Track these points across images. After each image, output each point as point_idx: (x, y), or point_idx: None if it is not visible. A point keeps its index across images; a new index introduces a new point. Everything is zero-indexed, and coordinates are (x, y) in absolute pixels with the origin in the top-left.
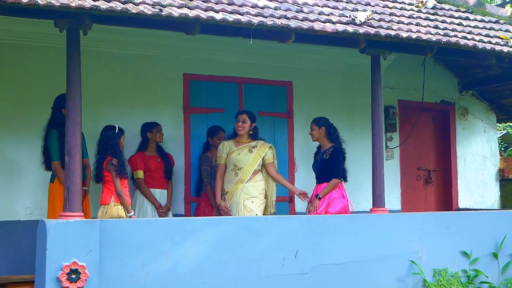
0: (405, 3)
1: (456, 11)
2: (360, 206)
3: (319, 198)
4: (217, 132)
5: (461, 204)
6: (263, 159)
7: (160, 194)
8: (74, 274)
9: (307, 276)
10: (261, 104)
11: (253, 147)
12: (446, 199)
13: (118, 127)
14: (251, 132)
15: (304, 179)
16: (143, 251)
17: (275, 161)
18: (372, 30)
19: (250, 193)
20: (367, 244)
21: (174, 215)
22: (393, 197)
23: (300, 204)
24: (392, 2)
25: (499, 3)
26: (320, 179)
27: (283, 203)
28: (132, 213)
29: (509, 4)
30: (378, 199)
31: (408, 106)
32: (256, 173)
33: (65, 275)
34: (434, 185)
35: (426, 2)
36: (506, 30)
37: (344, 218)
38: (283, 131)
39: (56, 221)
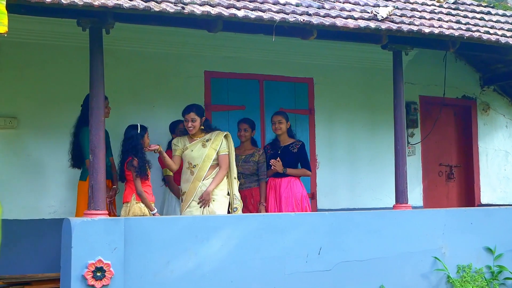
0: None
1: (477, 5)
2: (383, 202)
3: (285, 171)
4: (238, 124)
5: (483, 200)
6: (217, 151)
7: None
8: (99, 272)
9: (330, 272)
10: (282, 101)
11: (207, 140)
12: (468, 195)
13: (140, 125)
14: (202, 127)
15: (326, 175)
16: (167, 249)
17: (232, 151)
18: (394, 26)
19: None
20: (390, 240)
21: None
22: (415, 193)
23: (322, 201)
24: None
25: None
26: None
27: None
28: (155, 210)
29: None
30: (401, 196)
31: (430, 102)
32: (213, 168)
33: (90, 273)
34: (456, 181)
35: None
36: None
37: (368, 214)
38: (304, 128)
39: (81, 219)
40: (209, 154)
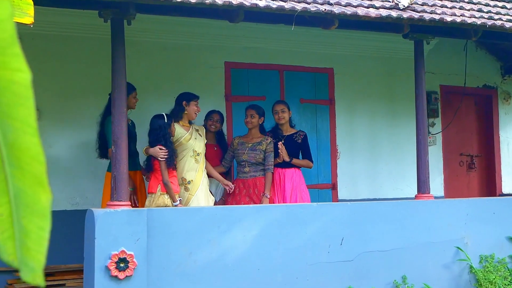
0: None
1: None
2: (403, 192)
3: (291, 160)
4: (245, 111)
5: (505, 190)
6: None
7: (215, 182)
8: (122, 262)
9: (352, 263)
10: (302, 91)
11: (197, 130)
12: (490, 185)
13: (166, 115)
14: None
15: (347, 166)
16: (190, 240)
17: None
18: (416, 15)
19: (207, 181)
20: (412, 230)
21: None
22: (436, 183)
23: (343, 191)
24: None
25: None
26: (289, 163)
27: (326, 190)
28: (178, 202)
29: None
30: (423, 185)
31: (450, 91)
32: None
33: (113, 264)
34: (477, 170)
35: None
36: None
37: (390, 204)
38: (325, 118)
39: (104, 210)
40: (203, 144)
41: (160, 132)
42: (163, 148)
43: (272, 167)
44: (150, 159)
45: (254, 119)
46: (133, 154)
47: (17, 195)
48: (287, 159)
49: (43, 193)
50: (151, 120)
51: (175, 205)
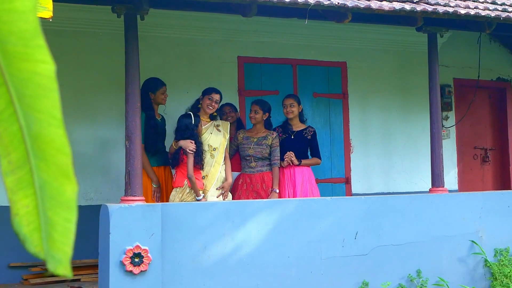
0: None
1: None
2: (417, 186)
3: (300, 163)
4: (250, 106)
5: None
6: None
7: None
8: (137, 257)
9: (367, 257)
10: (315, 85)
11: (217, 125)
12: (504, 178)
13: (193, 114)
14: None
15: (361, 160)
16: (204, 234)
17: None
18: (429, 8)
19: (224, 177)
20: (427, 224)
21: None
22: (450, 176)
23: (356, 185)
24: None
25: None
26: (299, 158)
27: (340, 184)
28: (201, 197)
29: None
30: (437, 179)
31: (464, 85)
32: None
33: (128, 259)
34: (491, 164)
35: None
36: None
37: (404, 198)
38: (338, 112)
39: (118, 205)
40: (224, 139)
41: (187, 132)
42: (193, 143)
43: (279, 161)
44: (179, 153)
45: (257, 115)
46: (160, 150)
47: (42, 187)
48: (296, 163)
49: (68, 185)
50: (178, 119)
51: (198, 200)
